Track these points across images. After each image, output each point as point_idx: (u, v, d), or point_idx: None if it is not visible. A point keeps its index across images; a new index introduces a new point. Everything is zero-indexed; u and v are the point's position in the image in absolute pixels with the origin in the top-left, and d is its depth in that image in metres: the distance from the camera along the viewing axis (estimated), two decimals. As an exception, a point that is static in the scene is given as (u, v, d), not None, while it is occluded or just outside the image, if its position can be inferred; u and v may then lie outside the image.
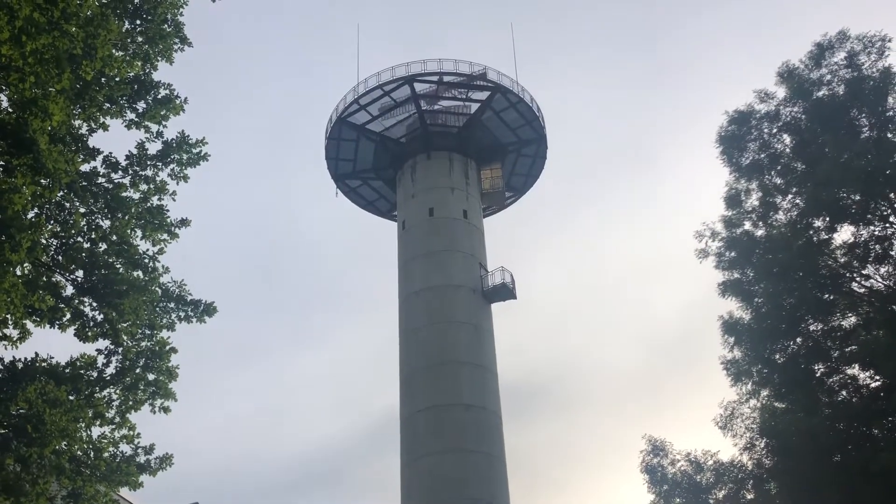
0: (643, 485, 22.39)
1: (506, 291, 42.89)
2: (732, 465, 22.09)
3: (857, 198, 21.45)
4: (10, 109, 12.19)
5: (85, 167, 14.49)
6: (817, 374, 21.92)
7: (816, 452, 19.06)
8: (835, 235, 22.29)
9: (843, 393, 21.60)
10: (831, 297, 22.22)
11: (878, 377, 21.12)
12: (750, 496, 21.66)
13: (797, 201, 22.88)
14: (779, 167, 23.59)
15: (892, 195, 21.26)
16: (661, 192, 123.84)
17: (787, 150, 23.75)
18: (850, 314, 22.22)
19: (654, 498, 22.04)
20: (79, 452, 14.30)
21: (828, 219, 22.05)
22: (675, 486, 21.91)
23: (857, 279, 22.34)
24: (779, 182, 23.46)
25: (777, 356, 22.18)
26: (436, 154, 46.47)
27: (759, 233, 23.64)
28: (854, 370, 21.69)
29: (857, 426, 20.36)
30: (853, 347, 21.49)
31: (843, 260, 22.30)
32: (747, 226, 23.98)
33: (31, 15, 10.69)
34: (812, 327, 22.18)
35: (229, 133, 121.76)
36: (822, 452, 19.24)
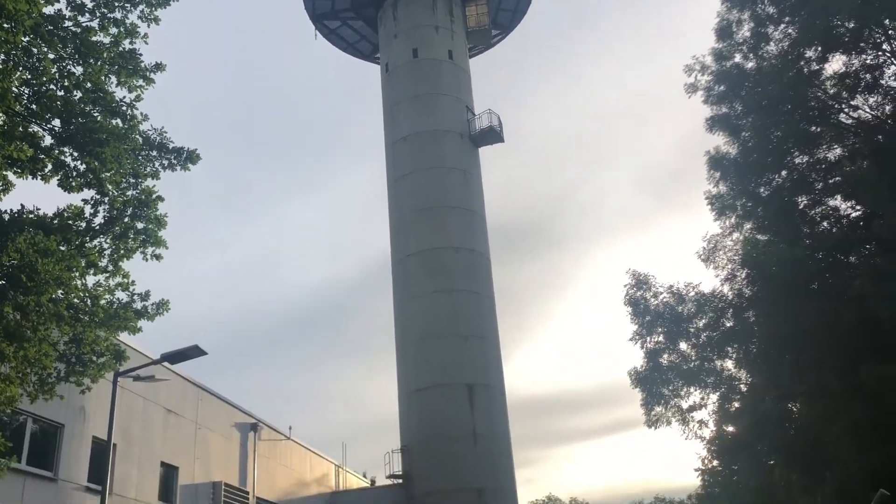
0: (627, 317, 23.26)
1: (493, 135, 42.42)
2: (713, 296, 22.82)
3: (851, 25, 20.86)
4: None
5: (49, 9, 13.81)
6: (800, 206, 22.23)
7: (795, 280, 19.59)
8: (826, 66, 21.87)
9: (825, 224, 22.01)
10: (818, 130, 22.14)
11: (858, 207, 21.45)
12: (729, 324, 22.51)
13: (790, 31, 22.22)
14: (773, -5, 22.74)
15: (886, 21, 20.68)
16: (652, 26, 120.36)
17: (782, -24, 22.78)
18: (835, 146, 22.23)
19: (636, 328, 22.92)
20: (76, 300, 14.55)
21: (820, 48, 21.53)
22: (657, 316, 22.74)
23: (846, 110, 22.17)
24: (772, 11, 22.66)
25: (762, 189, 22.38)
26: (418, -10, 44.46)
27: (750, 65, 23.14)
28: (836, 201, 22.01)
29: (836, 255, 20.88)
30: (837, 179, 21.67)
31: (832, 91, 22.00)
32: (738, 58, 23.44)
33: None
34: (798, 160, 22.23)
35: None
36: (800, 280, 19.79)
